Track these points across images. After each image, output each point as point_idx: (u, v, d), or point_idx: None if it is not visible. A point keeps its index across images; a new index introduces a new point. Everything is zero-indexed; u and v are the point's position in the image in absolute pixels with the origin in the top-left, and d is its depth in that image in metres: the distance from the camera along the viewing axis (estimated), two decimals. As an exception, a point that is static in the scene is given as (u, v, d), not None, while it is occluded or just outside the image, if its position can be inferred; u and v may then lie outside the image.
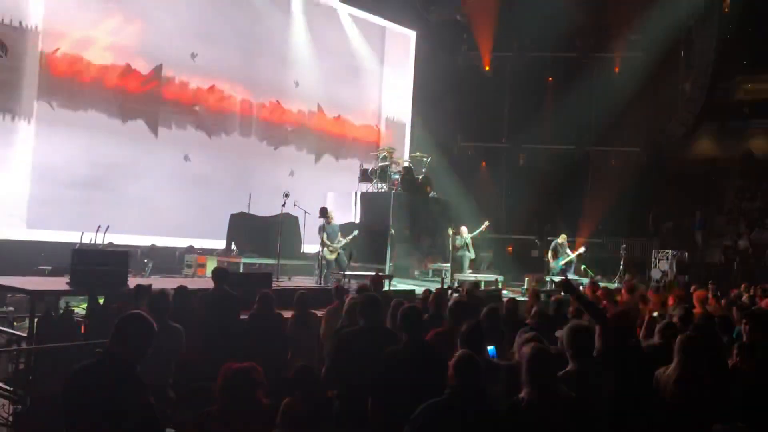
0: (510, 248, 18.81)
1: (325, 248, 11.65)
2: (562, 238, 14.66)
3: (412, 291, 11.20)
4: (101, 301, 7.30)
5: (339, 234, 11.92)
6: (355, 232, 12.21)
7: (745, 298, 9.41)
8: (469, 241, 14.06)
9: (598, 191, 19.26)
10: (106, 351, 3.44)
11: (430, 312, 6.20)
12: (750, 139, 21.55)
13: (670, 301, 7.51)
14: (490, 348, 4.48)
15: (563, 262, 14.34)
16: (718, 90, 20.75)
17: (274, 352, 6.37)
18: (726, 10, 18.66)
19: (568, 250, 14.47)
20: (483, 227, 14.38)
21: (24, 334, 7.27)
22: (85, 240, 10.74)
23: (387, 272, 12.67)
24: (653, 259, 17.11)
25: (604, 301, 7.54)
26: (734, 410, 3.92)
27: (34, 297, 7.29)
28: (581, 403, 3.53)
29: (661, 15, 17.70)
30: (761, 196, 20.00)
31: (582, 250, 14.55)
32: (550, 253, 14.65)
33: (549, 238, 15.51)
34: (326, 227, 11.80)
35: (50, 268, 10.12)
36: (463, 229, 14.17)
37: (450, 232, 14.47)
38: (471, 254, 14.14)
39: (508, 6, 18.52)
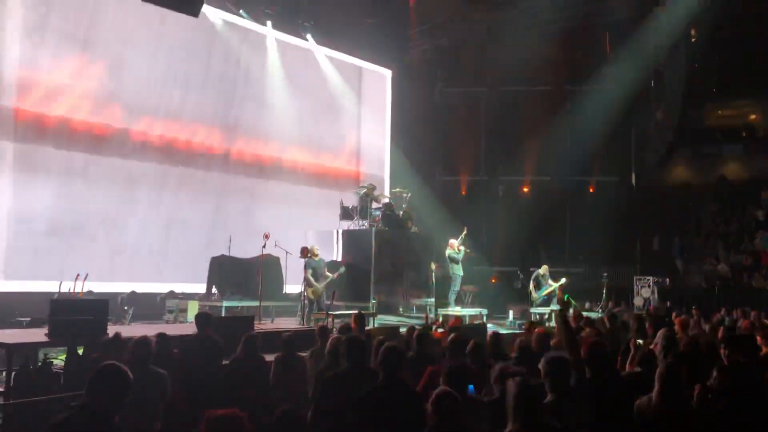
0: (494, 279, 18.84)
1: (309, 288, 11.61)
2: (543, 269, 14.82)
3: (396, 328, 11.15)
4: (81, 351, 7.19)
5: (326, 269, 11.92)
6: (342, 269, 12.21)
7: (727, 322, 9.49)
8: (462, 249, 14.14)
9: (578, 221, 19.44)
10: (82, 404, 3.40)
11: (414, 350, 6.18)
12: (723, 164, 21.96)
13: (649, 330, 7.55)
14: (470, 386, 4.48)
15: (545, 292, 14.45)
16: (690, 117, 21.20)
17: (259, 396, 6.30)
18: (693, 39, 19.17)
19: (550, 281, 14.62)
20: (463, 234, 14.49)
21: (1, 389, 7.13)
22: (64, 289, 10.60)
23: (371, 310, 12.63)
24: (635, 286, 17.23)
25: (586, 330, 7.56)
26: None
27: (12, 350, 7.17)
28: (564, 433, 3.53)
29: (630, 47, 18.15)
30: (736, 219, 20.29)
31: (563, 281, 14.66)
32: (531, 284, 14.76)
33: (531, 269, 15.61)
34: (311, 262, 11.79)
35: (28, 319, 9.96)
36: (452, 241, 14.28)
37: (433, 267, 14.55)
38: (460, 271, 14.21)
39: (481, 42, 18.90)
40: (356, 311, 9.01)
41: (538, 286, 14.73)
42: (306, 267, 11.73)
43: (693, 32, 19.15)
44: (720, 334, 7.78)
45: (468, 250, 14.47)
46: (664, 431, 3.96)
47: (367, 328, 9.00)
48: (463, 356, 5.48)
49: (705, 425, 4.05)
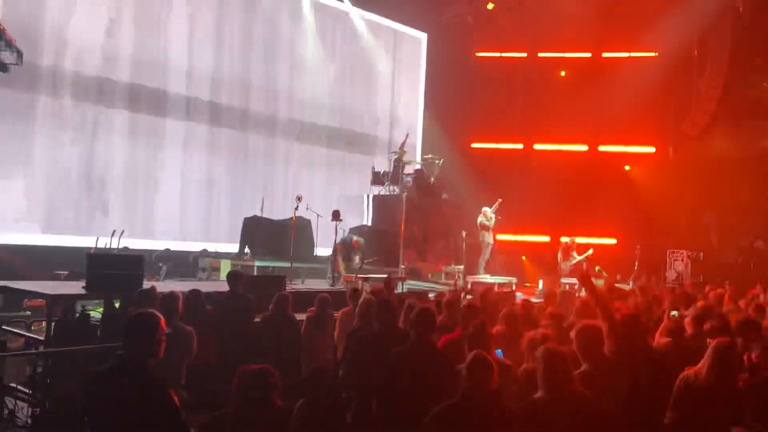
0: (524, 258, 18.73)
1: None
2: (570, 239, 14.79)
3: (425, 293, 11.20)
4: (117, 304, 7.36)
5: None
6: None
7: (762, 298, 9.31)
8: (493, 216, 14.30)
9: (613, 192, 19.13)
10: (121, 354, 3.48)
11: (443, 315, 6.20)
12: (764, 138, 21.34)
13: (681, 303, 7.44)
14: (498, 350, 4.49)
15: (572, 264, 14.45)
16: (733, 89, 20.56)
17: (289, 353, 6.41)
18: (740, 9, 18.49)
19: (574, 252, 14.63)
20: (497, 203, 14.62)
21: (41, 338, 7.35)
22: (101, 244, 10.83)
23: (400, 275, 12.68)
24: (668, 260, 16.99)
25: (618, 302, 7.49)
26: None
27: (51, 301, 7.37)
28: (596, 402, 3.52)
29: (675, 14, 17.58)
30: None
31: (589, 252, 14.62)
32: (560, 254, 14.71)
33: (562, 239, 15.51)
34: (347, 248, 11.97)
35: (66, 272, 10.21)
36: (485, 209, 14.36)
37: (464, 234, 14.53)
38: (490, 239, 14.40)
39: (520, 6, 18.48)
40: (386, 275, 9.07)
41: (566, 256, 14.70)
42: (340, 248, 11.91)
43: (738, 2, 18.44)
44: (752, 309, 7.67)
45: (499, 217, 14.45)
46: (714, 407, 3.89)
47: (396, 292, 9.05)
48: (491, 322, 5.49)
49: (754, 402, 3.99)
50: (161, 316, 3.59)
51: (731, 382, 3.96)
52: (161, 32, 13.54)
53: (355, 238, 12.37)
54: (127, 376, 3.34)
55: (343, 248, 12.01)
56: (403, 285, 11.91)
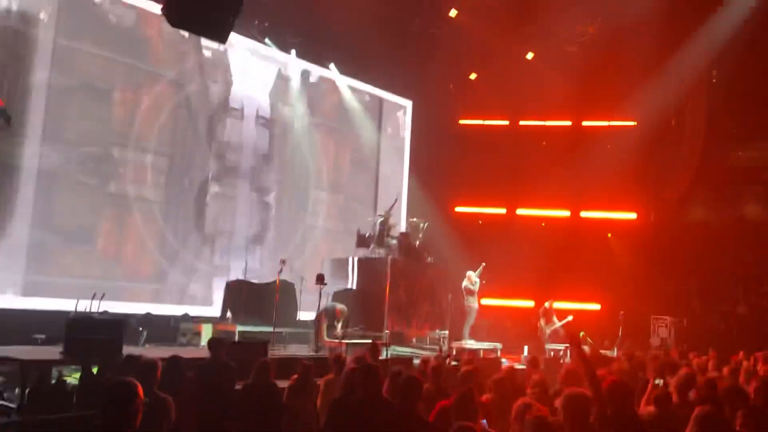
0: (508, 317, 18.69)
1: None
2: (549, 304, 14.92)
3: (410, 359, 11.08)
4: (95, 371, 7.20)
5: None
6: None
7: (745, 365, 9.30)
8: (477, 281, 14.42)
9: (595, 257, 19.27)
10: (97, 424, 3.40)
11: (429, 382, 6.12)
12: (743, 205, 21.75)
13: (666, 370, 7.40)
14: (483, 420, 4.42)
15: (551, 330, 14.55)
16: (711, 157, 21.05)
17: (271, 422, 6.27)
18: (714, 80, 19.14)
19: (555, 317, 14.72)
20: (481, 267, 14.76)
21: (14, 406, 7.14)
22: (81, 308, 10.64)
23: (384, 339, 12.56)
24: (652, 325, 17.00)
25: (602, 369, 7.45)
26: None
27: (26, 366, 7.20)
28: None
29: (653, 85, 18.15)
30: (756, 261, 20.02)
31: (569, 318, 14.69)
32: (542, 319, 14.76)
33: (546, 304, 15.54)
34: (331, 315, 11.93)
35: (44, 336, 10.00)
36: (470, 273, 14.45)
37: (449, 298, 14.53)
38: (475, 304, 14.57)
39: (501, 76, 18.99)
40: (371, 341, 8.99)
41: (548, 321, 14.78)
42: (324, 317, 11.86)
43: (714, 73, 19.10)
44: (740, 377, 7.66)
45: (483, 281, 14.51)
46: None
47: (380, 358, 8.94)
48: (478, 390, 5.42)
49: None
50: (138, 384, 3.53)
51: None
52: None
53: (338, 306, 12.30)
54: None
55: (327, 317, 11.95)
56: (387, 350, 11.79)
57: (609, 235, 20.03)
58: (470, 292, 14.32)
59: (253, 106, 15.65)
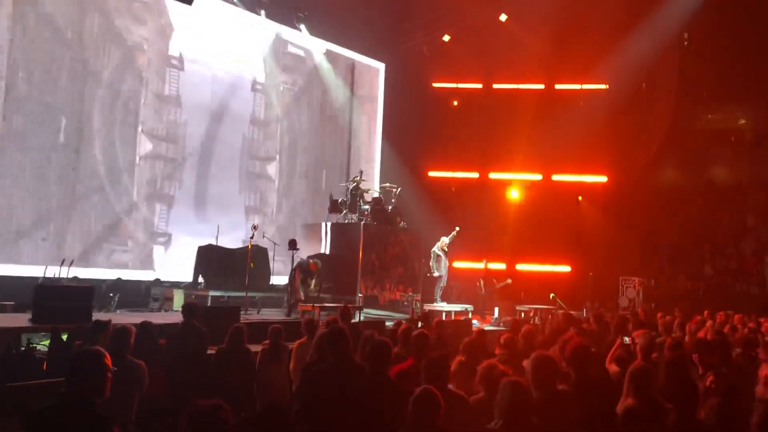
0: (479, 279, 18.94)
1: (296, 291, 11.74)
2: (484, 264, 16.25)
3: (382, 322, 11.18)
4: (64, 337, 7.14)
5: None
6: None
7: (708, 324, 9.54)
8: (447, 245, 15.06)
9: (566, 220, 19.51)
10: (64, 391, 3.38)
11: (399, 346, 6.17)
12: (712, 167, 22.10)
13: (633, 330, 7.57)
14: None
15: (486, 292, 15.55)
16: (681, 120, 21.28)
17: (243, 388, 6.30)
18: (686, 43, 19.23)
19: (494, 280, 15.31)
20: (455, 232, 15.33)
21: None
22: (49, 274, 10.52)
23: (357, 303, 12.64)
24: (620, 286, 17.36)
25: (572, 330, 7.59)
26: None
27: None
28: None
29: (624, 48, 18.19)
30: (723, 223, 20.44)
31: (508, 281, 15.60)
32: (481, 281, 15.34)
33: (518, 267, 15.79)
34: (305, 270, 11.96)
35: (13, 303, 9.88)
36: (444, 238, 15.24)
37: (423, 262, 14.74)
38: (445, 261, 15.11)
39: (475, 38, 18.86)
40: (343, 304, 9.02)
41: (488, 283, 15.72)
42: (299, 271, 11.87)
43: (686, 36, 19.17)
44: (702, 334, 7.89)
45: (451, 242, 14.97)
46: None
47: (353, 321, 8.99)
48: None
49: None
50: (106, 353, 3.51)
51: (653, 405, 4.07)
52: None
53: (312, 260, 12.30)
54: (72, 415, 3.24)
55: (301, 272, 11.93)
56: (360, 314, 11.88)
57: (579, 198, 20.23)
58: (441, 257, 14.53)
59: (222, 68, 15.36)
